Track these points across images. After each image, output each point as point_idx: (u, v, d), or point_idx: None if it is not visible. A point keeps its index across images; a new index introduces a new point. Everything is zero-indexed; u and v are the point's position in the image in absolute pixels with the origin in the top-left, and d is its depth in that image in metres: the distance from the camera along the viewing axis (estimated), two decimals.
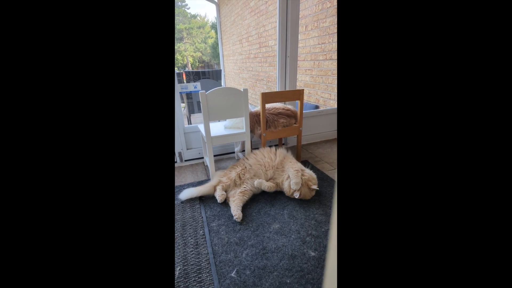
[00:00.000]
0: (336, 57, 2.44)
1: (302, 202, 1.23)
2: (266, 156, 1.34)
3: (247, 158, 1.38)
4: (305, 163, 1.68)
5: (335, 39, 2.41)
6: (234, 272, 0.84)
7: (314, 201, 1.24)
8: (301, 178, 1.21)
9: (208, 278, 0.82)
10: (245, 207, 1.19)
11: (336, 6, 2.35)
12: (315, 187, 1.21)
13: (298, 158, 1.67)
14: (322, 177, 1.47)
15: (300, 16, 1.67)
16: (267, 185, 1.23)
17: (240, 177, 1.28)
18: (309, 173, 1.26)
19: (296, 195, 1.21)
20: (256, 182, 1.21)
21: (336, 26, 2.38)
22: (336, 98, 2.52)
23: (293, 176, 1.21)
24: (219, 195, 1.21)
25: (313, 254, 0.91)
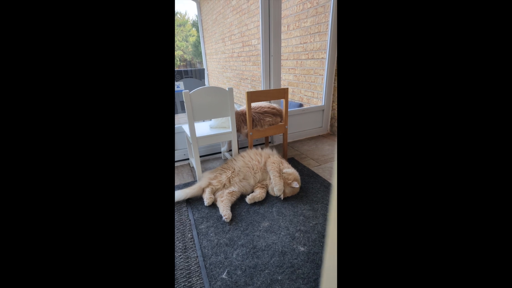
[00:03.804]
0: (317, 57, 2.50)
1: (290, 199, 1.25)
2: (254, 158, 1.34)
3: (235, 160, 1.37)
4: (291, 160, 1.70)
5: (316, 39, 2.47)
6: (225, 273, 0.83)
7: (302, 197, 1.26)
8: (281, 179, 1.22)
9: (199, 282, 0.80)
10: (233, 207, 1.18)
11: (316, 7, 2.40)
12: (294, 184, 1.22)
13: (284, 156, 1.69)
14: (308, 174, 1.50)
15: (282, 16, 1.68)
16: (258, 196, 1.23)
17: (229, 181, 1.27)
18: (287, 171, 1.27)
19: (281, 197, 1.24)
20: (248, 199, 1.21)
21: (316, 26, 2.44)
22: (319, 96, 2.58)
23: (274, 183, 1.22)
24: (207, 198, 1.19)
25: (302, 249, 0.93)
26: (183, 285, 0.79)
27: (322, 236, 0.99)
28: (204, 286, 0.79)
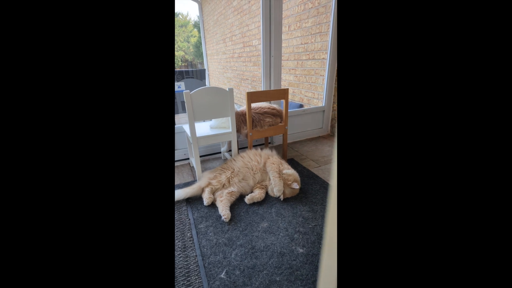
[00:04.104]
0: (318, 57, 2.50)
1: (289, 200, 1.25)
2: (253, 159, 1.34)
3: (234, 160, 1.37)
4: (291, 161, 1.70)
5: (317, 39, 2.47)
6: (223, 273, 0.83)
7: (301, 198, 1.26)
8: (281, 180, 1.22)
9: (197, 281, 0.80)
10: (233, 207, 1.19)
11: (318, 8, 2.41)
12: (294, 185, 1.23)
13: (284, 156, 1.69)
14: (307, 175, 1.50)
15: (283, 16, 1.68)
16: (258, 197, 1.23)
17: (229, 181, 1.27)
18: (287, 172, 1.27)
19: (281, 198, 1.24)
20: (247, 199, 1.21)
21: (317, 26, 2.44)
22: (319, 97, 2.58)
23: (274, 184, 1.22)
24: (206, 198, 1.19)
25: (301, 250, 0.93)
26: (182, 284, 0.79)
27: (321, 237, 0.99)
28: (202, 285, 0.79)
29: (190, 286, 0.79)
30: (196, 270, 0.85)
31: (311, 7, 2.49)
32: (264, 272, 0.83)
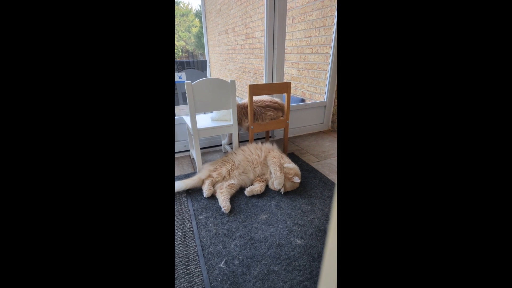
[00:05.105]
0: (322, 51, 2.47)
1: (288, 193, 1.26)
2: (254, 152, 1.35)
3: (235, 153, 1.37)
4: (291, 155, 1.71)
5: (322, 33, 2.43)
6: (222, 262, 0.85)
7: (300, 192, 1.27)
8: (282, 174, 1.23)
9: (197, 270, 0.82)
10: (233, 199, 1.20)
11: (323, 0, 2.35)
12: (295, 179, 1.24)
13: (285, 151, 1.69)
14: (307, 169, 1.51)
15: (287, 8, 1.65)
16: (258, 189, 1.24)
17: (229, 174, 1.28)
18: (288, 166, 1.28)
19: (282, 191, 1.25)
20: (247, 192, 1.22)
21: (322, 20, 2.40)
22: (321, 91, 2.57)
23: (275, 177, 1.23)
24: (206, 190, 1.20)
25: (299, 242, 0.94)
26: (182, 272, 0.81)
27: (319, 230, 1.01)
28: (202, 274, 0.81)
29: (190, 274, 0.81)
30: (196, 259, 0.87)
31: None
32: (263, 262, 0.85)
